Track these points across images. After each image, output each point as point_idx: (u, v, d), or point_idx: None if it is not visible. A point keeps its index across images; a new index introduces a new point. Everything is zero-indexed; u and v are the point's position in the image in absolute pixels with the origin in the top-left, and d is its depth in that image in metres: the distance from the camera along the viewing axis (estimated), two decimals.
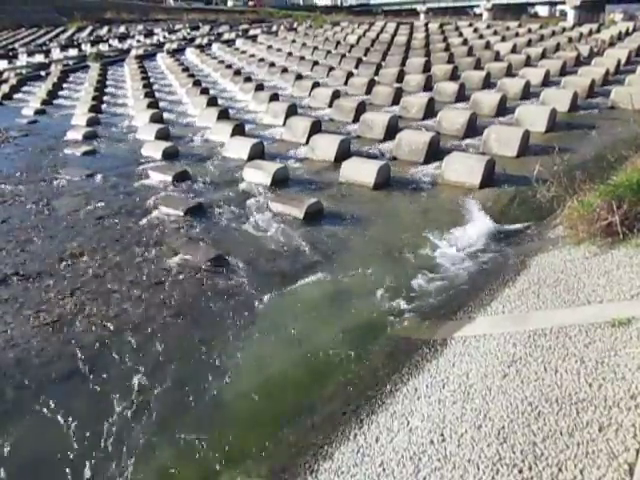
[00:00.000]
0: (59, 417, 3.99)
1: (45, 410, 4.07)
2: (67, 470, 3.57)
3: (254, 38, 30.58)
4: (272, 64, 20.34)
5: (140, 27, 40.49)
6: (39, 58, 26.53)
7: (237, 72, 18.91)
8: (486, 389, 3.55)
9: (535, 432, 3.06)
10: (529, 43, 21.17)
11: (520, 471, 2.84)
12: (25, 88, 19.31)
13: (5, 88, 18.47)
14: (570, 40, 21.56)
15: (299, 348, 4.67)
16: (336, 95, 14.01)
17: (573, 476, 2.72)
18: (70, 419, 3.96)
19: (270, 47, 25.59)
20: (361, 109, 12.33)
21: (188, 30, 38.61)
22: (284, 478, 3.37)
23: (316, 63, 19.84)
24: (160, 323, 5.12)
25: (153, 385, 4.32)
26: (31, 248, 6.75)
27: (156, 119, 13.07)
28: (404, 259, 6.04)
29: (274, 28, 35.93)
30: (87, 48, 29.68)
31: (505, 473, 2.86)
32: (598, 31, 24.45)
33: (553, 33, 24.48)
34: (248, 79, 17.63)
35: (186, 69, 20.08)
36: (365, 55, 21.19)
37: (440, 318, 4.87)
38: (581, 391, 3.27)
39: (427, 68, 17.22)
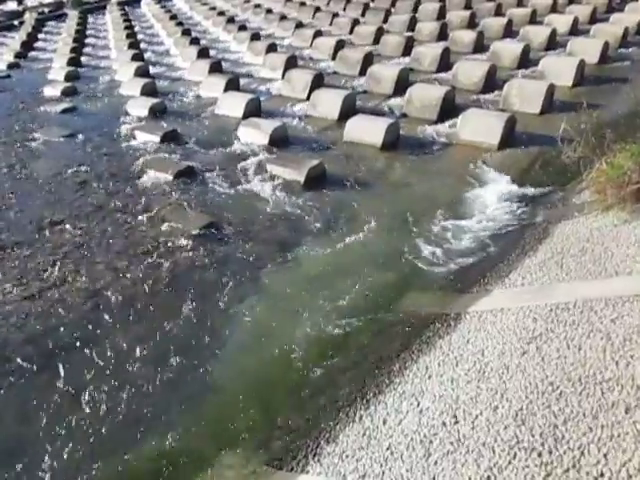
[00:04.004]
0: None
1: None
2: None
3: None
4: (269, 11, 19.85)
5: None
6: (12, 5, 26.00)
7: (230, 20, 18.49)
8: (503, 367, 3.55)
9: (556, 414, 3.06)
10: None
11: (539, 455, 2.85)
12: None
13: None
14: None
15: (299, 324, 4.67)
16: (340, 45, 13.69)
17: (596, 460, 2.73)
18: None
19: None
20: (368, 61, 12.07)
21: None
22: (284, 462, 3.40)
23: (318, 9, 19.34)
24: (148, 297, 5.12)
25: (142, 367, 4.36)
26: (7, 216, 6.72)
27: (142, 73, 12.85)
28: (413, 228, 5.98)
29: None
30: None
31: (523, 457, 2.87)
32: None
33: None
34: (243, 28, 17.22)
35: (174, 17, 19.63)
36: (372, 0, 20.66)
37: (453, 291, 4.85)
38: (607, 370, 3.25)
39: (442, 14, 16.75)
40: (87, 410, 3.96)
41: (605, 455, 2.74)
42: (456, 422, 3.23)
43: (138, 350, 4.49)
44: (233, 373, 4.26)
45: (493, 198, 6.46)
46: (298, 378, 4.13)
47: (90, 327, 4.78)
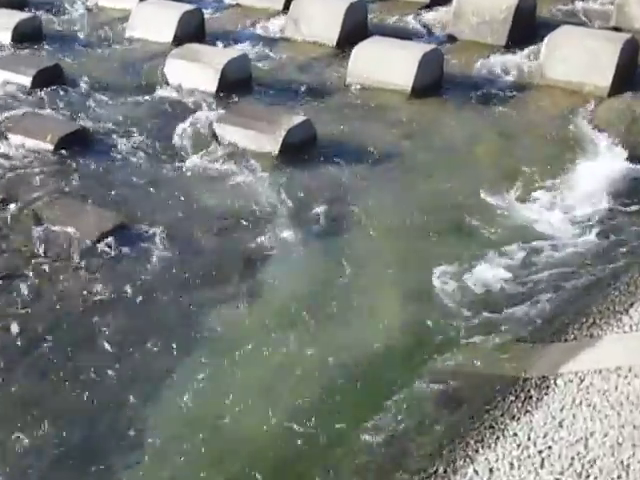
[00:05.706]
0: None
1: None
2: None
3: None
4: None
5: None
6: None
7: None
8: (620, 468, 3.58)
9: None
10: None
11: None
12: None
13: None
14: None
15: (275, 400, 4.70)
16: None
17: None
18: None
19: None
20: None
21: None
22: None
23: None
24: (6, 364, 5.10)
25: None
26: None
27: None
28: (465, 233, 6.09)
29: None
30: None
31: None
32: None
33: None
34: None
35: None
36: None
37: (534, 338, 4.91)
38: None
39: None
40: None
41: None
42: None
43: None
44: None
45: (601, 182, 6.55)
46: None
47: None
